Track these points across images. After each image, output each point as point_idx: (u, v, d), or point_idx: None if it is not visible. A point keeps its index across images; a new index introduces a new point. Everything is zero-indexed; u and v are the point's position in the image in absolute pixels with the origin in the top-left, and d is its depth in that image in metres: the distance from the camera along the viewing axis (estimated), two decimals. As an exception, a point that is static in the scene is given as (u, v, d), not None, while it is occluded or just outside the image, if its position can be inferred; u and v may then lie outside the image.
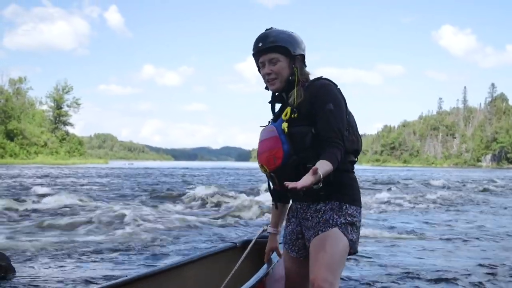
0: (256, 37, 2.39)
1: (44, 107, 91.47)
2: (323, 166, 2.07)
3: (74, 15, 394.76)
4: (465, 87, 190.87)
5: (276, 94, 2.46)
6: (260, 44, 2.33)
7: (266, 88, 2.44)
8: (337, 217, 2.26)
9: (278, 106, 2.53)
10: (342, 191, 2.30)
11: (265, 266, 2.74)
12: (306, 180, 1.99)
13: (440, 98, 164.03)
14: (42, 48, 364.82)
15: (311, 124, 2.26)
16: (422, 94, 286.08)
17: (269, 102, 2.51)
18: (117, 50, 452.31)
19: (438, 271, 5.32)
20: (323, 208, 2.29)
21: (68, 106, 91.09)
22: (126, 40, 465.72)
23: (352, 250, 2.30)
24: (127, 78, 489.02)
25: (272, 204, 2.59)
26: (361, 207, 2.37)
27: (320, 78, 2.38)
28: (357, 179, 2.43)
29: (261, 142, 2.38)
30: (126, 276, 2.76)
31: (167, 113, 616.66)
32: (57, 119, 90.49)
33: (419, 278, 4.99)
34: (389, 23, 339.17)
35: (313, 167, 2.02)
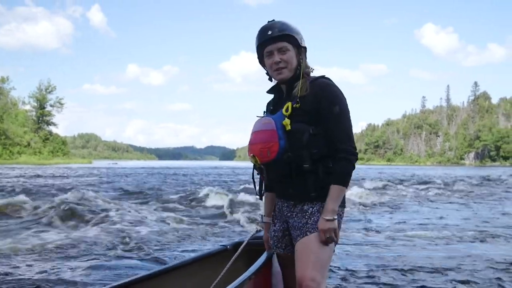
0: (260, 28, 2.36)
1: (27, 107, 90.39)
2: (335, 200, 2.22)
3: (57, 15, 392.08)
4: (448, 86, 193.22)
5: (274, 85, 2.46)
6: (270, 32, 2.31)
7: (270, 79, 2.44)
8: None
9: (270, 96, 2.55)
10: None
11: (258, 260, 2.72)
12: (325, 226, 2.21)
13: (424, 97, 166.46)
14: (25, 48, 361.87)
15: (310, 122, 2.25)
16: (406, 93, 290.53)
17: (268, 92, 2.51)
18: (101, 50, 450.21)
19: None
20: (310, 209, 2.29)
21: (51, 106, 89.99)
22: (109, 40, 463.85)
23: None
24: (111, 78, 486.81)
25: (257, 195, 2.57)
26: (345, 207, 2.38)
27: (323, 77, 2.37)
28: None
29: (255, 132, 2.37)
30: (110, 284, 2.62)
31: (151, 113, 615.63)
32: (40, 119, 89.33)
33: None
34: (373, 22, 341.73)
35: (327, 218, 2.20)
